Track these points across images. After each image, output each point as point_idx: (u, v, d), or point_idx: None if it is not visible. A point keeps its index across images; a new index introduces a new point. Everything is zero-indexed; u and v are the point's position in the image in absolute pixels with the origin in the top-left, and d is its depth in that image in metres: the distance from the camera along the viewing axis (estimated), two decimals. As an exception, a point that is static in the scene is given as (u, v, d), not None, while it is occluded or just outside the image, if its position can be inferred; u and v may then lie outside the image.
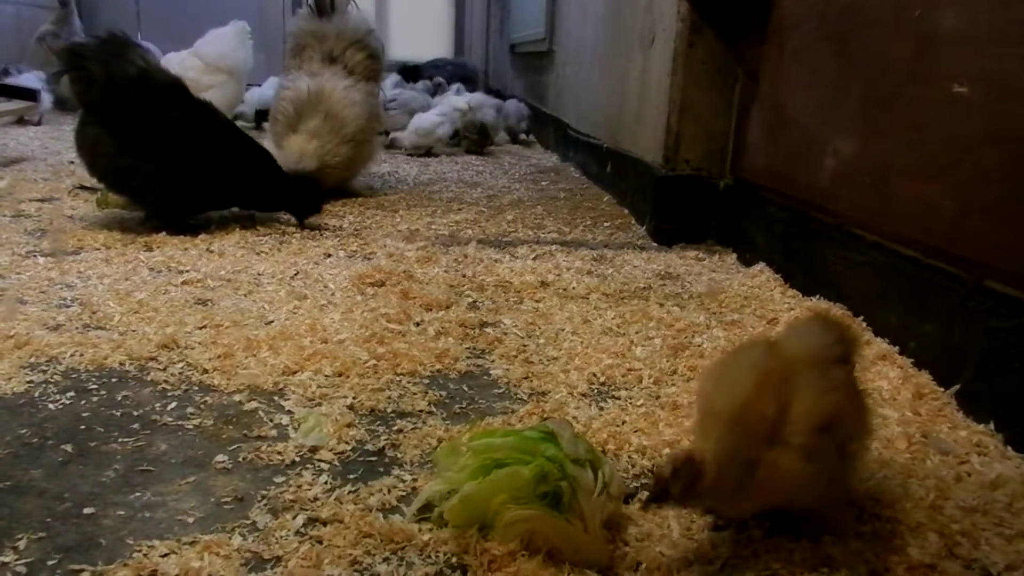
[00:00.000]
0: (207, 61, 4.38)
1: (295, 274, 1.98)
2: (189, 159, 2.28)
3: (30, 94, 4.70)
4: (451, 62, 6.92)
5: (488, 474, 0.91)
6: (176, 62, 4.23)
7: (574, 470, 0.91)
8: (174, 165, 2.25)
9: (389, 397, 1.31)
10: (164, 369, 1.37)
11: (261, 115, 4.74)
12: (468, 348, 1.55)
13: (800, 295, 1.92)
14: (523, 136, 5.41)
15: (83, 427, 1.17)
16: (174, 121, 2.28)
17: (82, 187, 2.85)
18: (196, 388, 1.32)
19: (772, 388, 0.88)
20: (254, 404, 1.26)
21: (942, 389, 1.38)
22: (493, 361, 1.50)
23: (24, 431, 1.15)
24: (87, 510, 0.96)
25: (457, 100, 4.94)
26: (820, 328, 1.00)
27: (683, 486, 0.83)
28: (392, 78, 5.73)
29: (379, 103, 3.31)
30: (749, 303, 1.89)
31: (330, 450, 1.13)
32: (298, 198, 2.50)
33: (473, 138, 4.74)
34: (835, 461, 0.91)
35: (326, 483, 1.05)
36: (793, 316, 1.77)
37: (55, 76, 2.23)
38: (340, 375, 1.38)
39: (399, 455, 1.14)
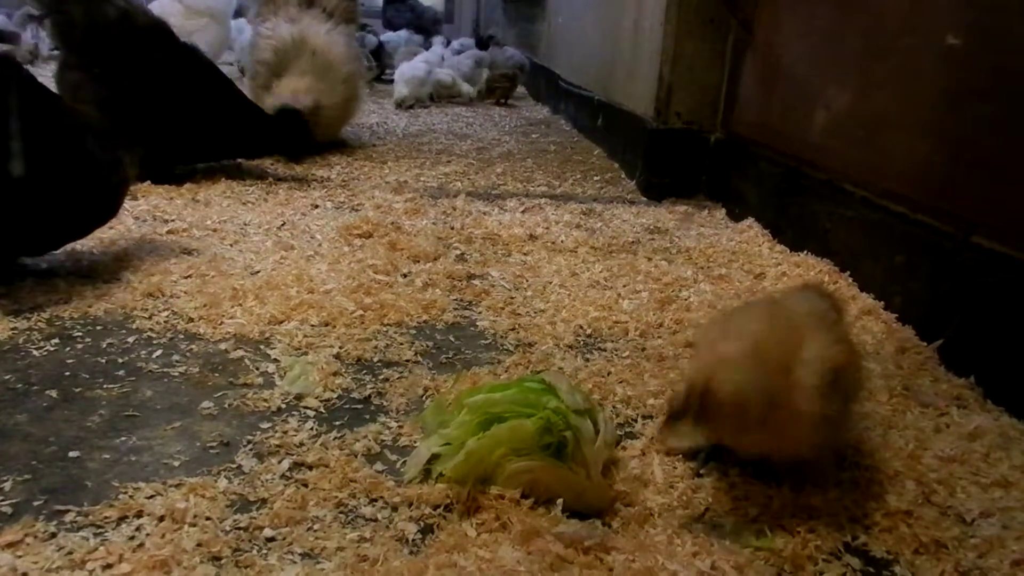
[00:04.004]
0: (187, 4, 4.24)
1: (282, 224, 1.96)
2: (173, 104, 2.24)
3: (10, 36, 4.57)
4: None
5: (488, 429, 0.91)
6: (157, 7, 4.10)
7: (577, 421, 0.93)
8: (157, 110, 2.21)
9: (375, 347, 1.31)
10: (149, 318, 1.37)
11: None
12: (455, 300, 1.55)
13: (788, 251, 1.92)
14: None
15: (68, 373, 1.17)
16: (157, 64, 2.22)
17: None
18: (182, 336, 1.31)
19: (783, 333, 0.90)
20: (240, 352, 1.26)
21: (925, 343, 1.39)
22: (480, 312, 1.50)
23: (8, 377, 1.14)
24: (72, 453, 0.97)
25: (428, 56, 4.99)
26: (816, 294, 1.03)
27: (699, 407, 0.84)
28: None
29: (357, 45, 3.25)
30: (737, 258, 1.89)
31: (316, 398, 1.14)
32: (285, 137, 2.47)
33: (505, 86, 4.88)
34: (841, 409, 0.92)
35: (312, 429, 1.05)
36: (780, 271, 1.78)
37: (35, 19, 2.17)
38: (326, 325, 1.37)
39: (385, 403, 1.14)
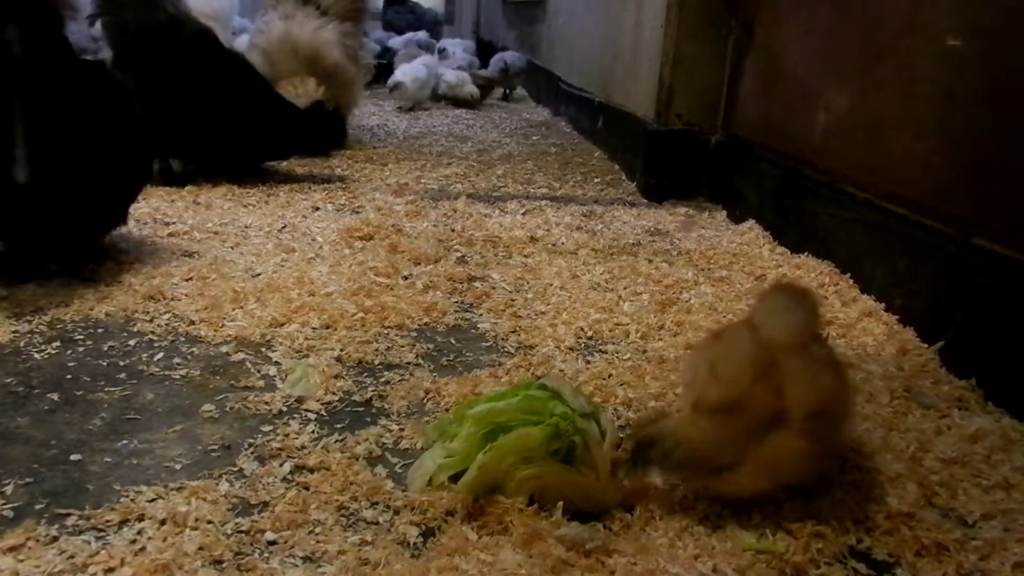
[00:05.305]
0: (192, 7, 4.25)
1: (283, 227, 1.96)
2: (218, 109, 2.27)
3: None
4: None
5: (494, 440, 0.91)
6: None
7: (584, 424, 0.93)
8: (203, 115, 2.24)
9: (376, 349, 1.31)
10: (150, 320, 1.37)
11: None
12: (456, 302, 1.55)
13: (789, 252, 1.92)
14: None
15: (69, 376, 1.17)
16: (203, 70, 2.26)
17: None
18: (183, 339, 1.31)
19: (768, 379, 0.88)
20: (241, 355, 1.26)
21: (926, 345, 1.39)
22: (481, 315, 1.50)
23: (10, 380, 1.14)
24: (74, 457, 0.97)
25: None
26: (793, 303, 0.98)
27: (661, 452, 0.86)
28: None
29: (358, 44, 3.22)
30: (738, 260, 1.89)
31: (317, 400, 1.14)
32: (320, 132, 2.52)
33: (485, 87, 4.93)
34: (830, 439, 0.93)
35: (313, 432, 1.05)
36: (781, 273, 1.77)
37: (88, 20, 2.25)
38: (328, 327, 1.37)
39: (386, 406, 1.14)
